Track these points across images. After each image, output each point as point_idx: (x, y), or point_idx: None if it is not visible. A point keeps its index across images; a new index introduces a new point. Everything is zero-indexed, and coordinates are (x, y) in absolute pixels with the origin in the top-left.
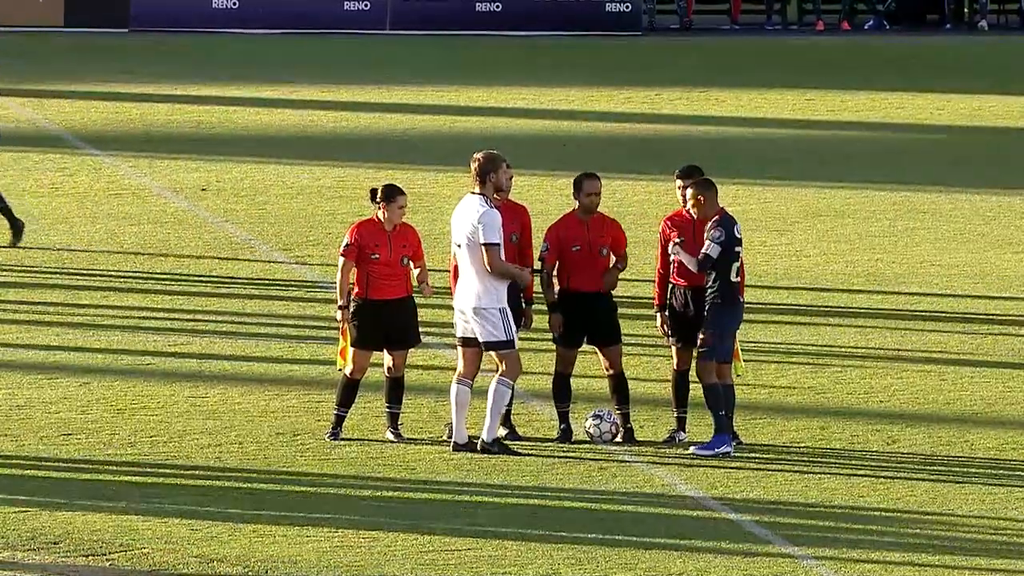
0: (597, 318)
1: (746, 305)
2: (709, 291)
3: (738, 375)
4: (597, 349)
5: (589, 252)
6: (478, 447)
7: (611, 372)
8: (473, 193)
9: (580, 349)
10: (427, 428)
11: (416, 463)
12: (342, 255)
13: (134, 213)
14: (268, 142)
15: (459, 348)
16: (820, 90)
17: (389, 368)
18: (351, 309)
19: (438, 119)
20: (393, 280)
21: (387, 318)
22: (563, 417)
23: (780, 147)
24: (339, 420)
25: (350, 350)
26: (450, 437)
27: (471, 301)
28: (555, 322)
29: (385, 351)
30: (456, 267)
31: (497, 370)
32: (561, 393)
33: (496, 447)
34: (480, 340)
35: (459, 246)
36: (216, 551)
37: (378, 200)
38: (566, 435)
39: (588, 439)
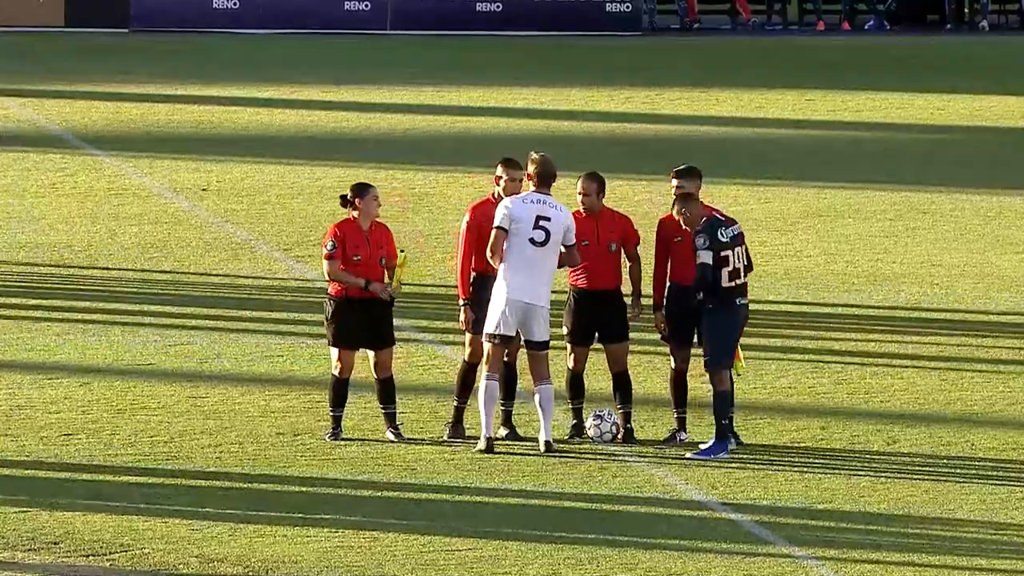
0: (607, 315)
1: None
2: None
3: (738, 374)
4: (604, 346)
5: (598, 247)
6: (542, 448)
7: (615, 370)
8: (543, 192)
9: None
10: (427, 428)
11: (416, 463)
12: (330, 258)
13: (134, 213)
14: (268, 142)
15: (495, 345)
16: (820, 90)
17: (376, 368)
18: (332, 307)
19: (438, 119)
20: (374, 279)
21: (367, 317)
22: (576, 414)
23: (780, 147)
24: (336, 421)
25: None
26: (451, 437)
27: (540, 299)
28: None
29: (369, 351)
30: (478, 261)
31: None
32: (575, 390)
33: (555, 447)
34: (534, 339)
35: (540, 244)
36: (217, 551)
37: (350, 199)
38: (578, 431)
39: (588, 439)
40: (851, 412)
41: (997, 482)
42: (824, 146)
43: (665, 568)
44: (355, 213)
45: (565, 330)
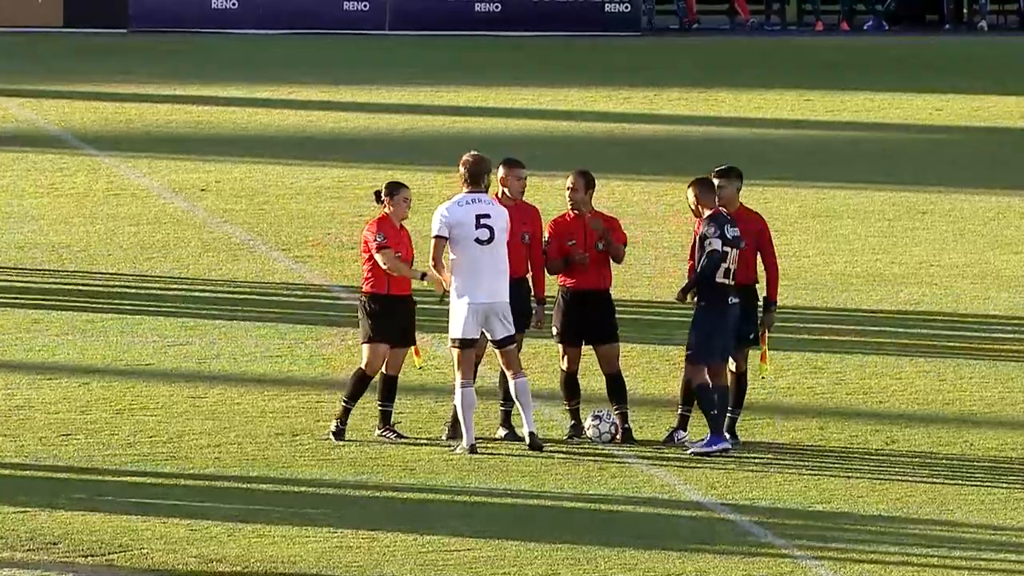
0: (596, 316)
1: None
2: (697, 291)
3: (763, 376)
4: (593, 348)
5: (584, 247)
6: (528, 443)
7: (607, 371)
8: (475, 191)
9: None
10: (427, 428)
11: (416, 463)
12: (383, 248)
13: (133, 213)
14: (268, 142)
15: (463, 350)
16: (820, 90)
17: (388, 364)
18: (371, 305)
19: (438, 119)
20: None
21: (402, 314)
22: (574, 414)
23: (779, 147)
24: (346, 413)
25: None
26: (450, 438)
27: (498, 296)
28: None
29: (388, 349)
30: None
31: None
32: (570, 391)
33: (540, 443)
34: (499, 336)
35: (486, 242)
36: (215, 551)
37: (383, 198)
38: (576, 431)
39: (587, 440)
40: (850, 412)
41: (996, 482)
42: (823, 146)
43: (664, 568)
44: (388, 210)
45: (554, 331)
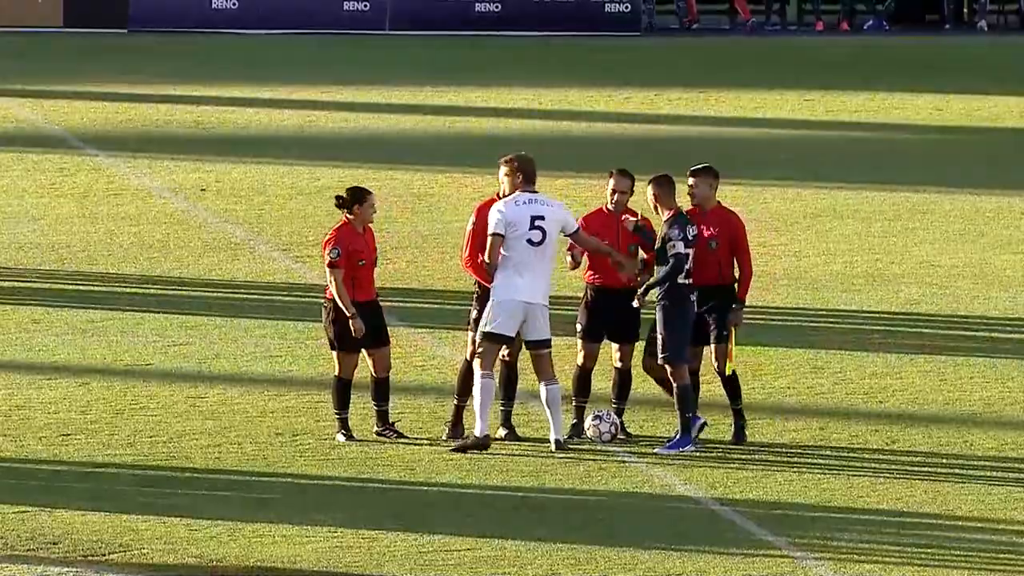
0: (621, 315)
1: (746, 305)
2: (658, 292)
3: (727, 374)
4: (613, 344)
5: (617, 246)
6: (554, 447)
7: (619, 367)
8: (531, 190)
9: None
10: (427, 428)
11: (416, 463)
12: (335, 266)
13: (133, 213)
14: (268, 142)
15: (490, 343)
16: (820, 90)
17: (375, 368)
18: (332, 312)
19: (438, 119)
20: (370, 281)
21: (367, 318)
22: (578, 412)
23: (780, 147)
24: (343, 423)
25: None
26: (449, 437)
27: (539, 298)
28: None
29: (366, 353)
30: (481, 261)
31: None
32: (581, 387)
33: (567, 445)
34: (535, 338)
35: (538, 244)
36: (215, 551)
37: (348, 204)
38: (577, 431)
39: (587, 439)
40: (850, 412)
41: (995, 482)
42: (823, 146)
43: (664, 568)
44: (350, 216)
45: (578, 327)
